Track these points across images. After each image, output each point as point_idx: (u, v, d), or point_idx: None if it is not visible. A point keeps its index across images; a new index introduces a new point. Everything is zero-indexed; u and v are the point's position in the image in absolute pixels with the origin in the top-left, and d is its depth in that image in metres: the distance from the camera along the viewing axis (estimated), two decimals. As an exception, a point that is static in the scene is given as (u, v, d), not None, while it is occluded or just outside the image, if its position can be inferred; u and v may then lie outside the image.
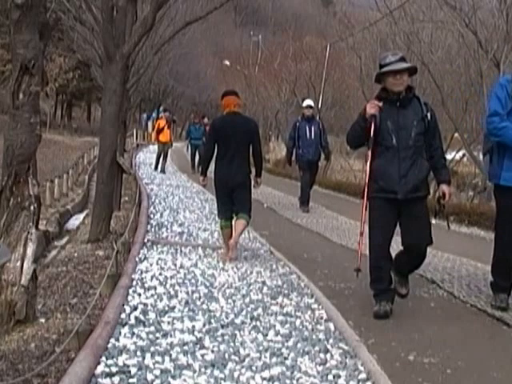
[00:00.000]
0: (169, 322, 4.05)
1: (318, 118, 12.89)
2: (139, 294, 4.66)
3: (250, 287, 5.20)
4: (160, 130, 17.95)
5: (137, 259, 5.88)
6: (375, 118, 4.51)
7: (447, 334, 4.26)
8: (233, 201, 6.35)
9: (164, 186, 14.01)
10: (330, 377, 3.32)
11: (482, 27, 13.80)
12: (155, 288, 4.88)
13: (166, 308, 4.37)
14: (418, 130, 4.53)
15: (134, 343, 3.58)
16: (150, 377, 3.12)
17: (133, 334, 3.75)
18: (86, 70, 26.28)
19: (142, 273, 5.37)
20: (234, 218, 6.43)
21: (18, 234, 4.08)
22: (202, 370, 3.28)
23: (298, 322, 4.28)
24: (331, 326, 4.23)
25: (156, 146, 19.23)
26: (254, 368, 3.36)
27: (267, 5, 64.72)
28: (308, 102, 11.62)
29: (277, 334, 3.98)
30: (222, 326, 4.05)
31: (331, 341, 3.91)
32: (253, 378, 3.23)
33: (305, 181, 11.11)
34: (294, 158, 11.30)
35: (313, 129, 10.99)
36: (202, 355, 3.49)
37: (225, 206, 6.40)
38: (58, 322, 4.10)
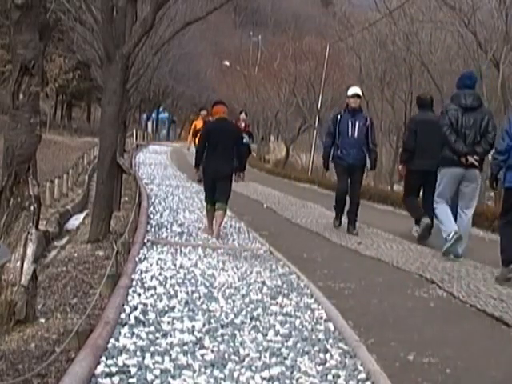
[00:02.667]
0: (169, 322, 4.05)
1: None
2: (139, 294, 4.66)
3: (250, 287, 5.20)
4: (197, 132, 14.68)
5: (137, 259, 5.88)
6: None
7: (447, 334, 4.27)
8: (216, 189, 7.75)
9: (164, 186, 14.02)
10: (330, 377, 3.33)
11: (481, 27, 13.83)
12: (155, 288, 4.89)
13: (166, 308, 4.37)
14: None
15: (134, 343, 3.58)
16: (149, 377, 3.12)
17: (133, 334, 3.75)
18: (86, 70, 26.27)
19: (141, 273, 5.37)
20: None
21: (18, 234, 4.09)
22: (202, 370, 3.28)
23: (297, 322, 4.28)
24: (331, 325, 4.24)
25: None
26: (253, 368, 3.36)
27: (267, 5, 64.68)
28: (355, 89, 8.96)
29: (276, 333, 3.99)
30: (222, 326, 4.06)
31: (331, 341, 3.92)
32: (252, 378, 3.23)
33: (341, 189, 8.68)
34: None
35: (357, 124, 8.50)
36: (202, 355, 3.49)
37: (211, 194, 7.79)
38: (58, 322, 4.11)
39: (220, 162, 7.58)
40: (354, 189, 8.62)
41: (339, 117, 8.64)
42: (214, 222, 7.80)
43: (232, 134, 7.79)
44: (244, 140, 15.12)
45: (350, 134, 8.47)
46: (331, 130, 8.67)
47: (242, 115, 16.67)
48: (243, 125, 15.96)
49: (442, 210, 6.80)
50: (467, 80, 6.85)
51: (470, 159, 6.60)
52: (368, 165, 8.57)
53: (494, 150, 6.25)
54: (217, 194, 7.71)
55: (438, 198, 6.91)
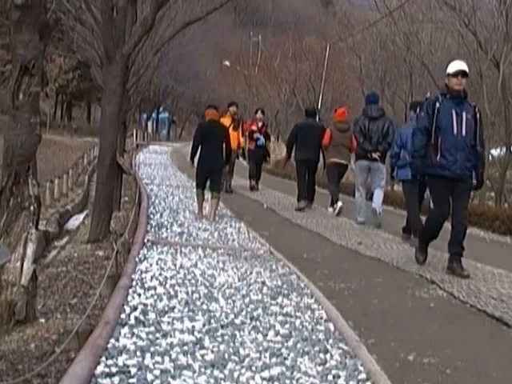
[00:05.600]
0: (169, 323, 4.04)
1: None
2: (139, 295, 4.65)
3: (250, 287, 5.20)
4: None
5: (137, 259, 5.88)
6: None
7: (447, 334, 4.26)
8: (208, 178, 9.21)
9: (164, 187, 14.01)
10: (330, 377, 3.32)
11: (481, 27, 13.85)
12: (155, 288, 4.88)
13: (166, 308, 4.37)
14: None
15: (134, 343, 3.58)
16: (149, 377, 3.12)
17: (133, 334, 3.75)
18: (86, 70, 26.28)
19: (141, 273, 5.36)
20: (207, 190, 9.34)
21: (18, 234, 4.08)
22: (202, 370, 3.28)
23: (297, 322, 4.28)
24: (331, 326, 4.24)
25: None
26: (253, 368, 3.36)
27: (267, 5, 64.73)
28: (459, 65, 6.02)
29: (276, 334, 3.98)
30: (222, 327, 4.05)
31: (331, 341, 3.92)
32: (253, 378, 3.23)
33: (442, 213, 6.05)
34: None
35: (464, 117, 5.91)
36: (202, 355, 3.49)
37: (202, 181, 9.26)
38: (58, 322, 4.11)
39: (212, 157, 9.09)
40: (458, 209, 5.96)
41: (437, 104, 5.94)
42: (205, 207, 9.32)
43: (220, 133, 9.32)
44: (259, 142, 14.56)
45: (455, 130, 5.90)
46: (425, 122, 5.98)
47: (259, 114, 14.15)
48: (260, 124, 13.91)
49: (359, 201, 9.56)
50: (372, 97, 9.56)
51: (374, 155, 9.16)
52: (474, 179, 6.08)
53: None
54: (211, 184, 9.19)
55: (358, 185, 9.57)
